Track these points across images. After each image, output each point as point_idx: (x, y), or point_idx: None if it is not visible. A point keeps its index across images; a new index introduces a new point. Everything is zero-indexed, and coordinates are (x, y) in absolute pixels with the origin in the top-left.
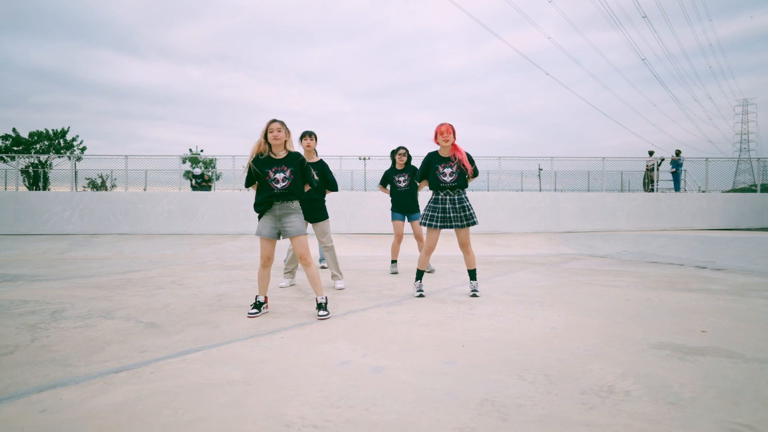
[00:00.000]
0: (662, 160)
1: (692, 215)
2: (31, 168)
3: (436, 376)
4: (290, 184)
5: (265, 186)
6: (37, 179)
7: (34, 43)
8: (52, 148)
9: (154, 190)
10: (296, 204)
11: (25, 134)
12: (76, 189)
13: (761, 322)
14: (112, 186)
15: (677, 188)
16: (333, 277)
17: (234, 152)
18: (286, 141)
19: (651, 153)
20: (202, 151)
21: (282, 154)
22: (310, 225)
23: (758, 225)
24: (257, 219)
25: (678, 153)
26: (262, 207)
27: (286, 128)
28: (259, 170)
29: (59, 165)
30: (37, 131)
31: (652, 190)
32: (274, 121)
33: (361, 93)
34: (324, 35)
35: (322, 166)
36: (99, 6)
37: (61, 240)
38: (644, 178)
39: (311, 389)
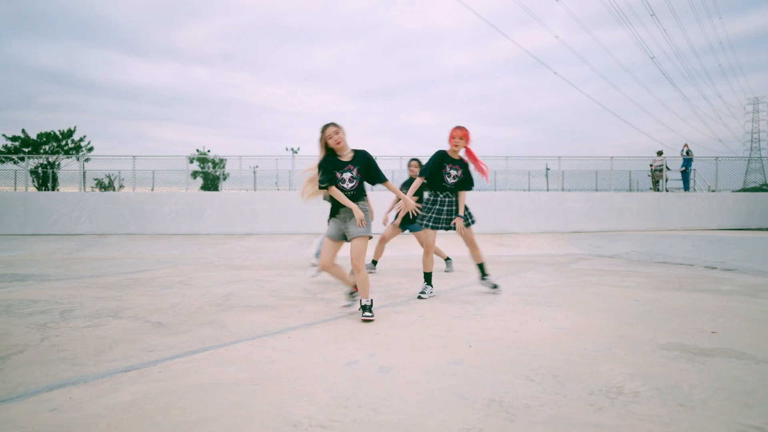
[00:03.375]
0: (667, 168)
1: (702, 215)
2: (40, 168)
3: (444, 377)
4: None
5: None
6: (46, 180)
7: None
8: (60, 149)
9: (161, 191)
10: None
11: (33, 135)
12: (84, 189)
13: None
14: (120, 186)
15: (686, 188)
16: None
17: (241, 152)
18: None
19: (660, 153)
20: (209, 151)
21: (348, 156)
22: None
23: None
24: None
25: (688, 152)
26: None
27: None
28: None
29: (68, 165)
30: (46, 132)
31: (659, 190)
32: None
33: (366, 92)
34: (329, 35)
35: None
36: (104, 6)
37: (70, 240)
38: (652, 178)
39: (318, 389)
